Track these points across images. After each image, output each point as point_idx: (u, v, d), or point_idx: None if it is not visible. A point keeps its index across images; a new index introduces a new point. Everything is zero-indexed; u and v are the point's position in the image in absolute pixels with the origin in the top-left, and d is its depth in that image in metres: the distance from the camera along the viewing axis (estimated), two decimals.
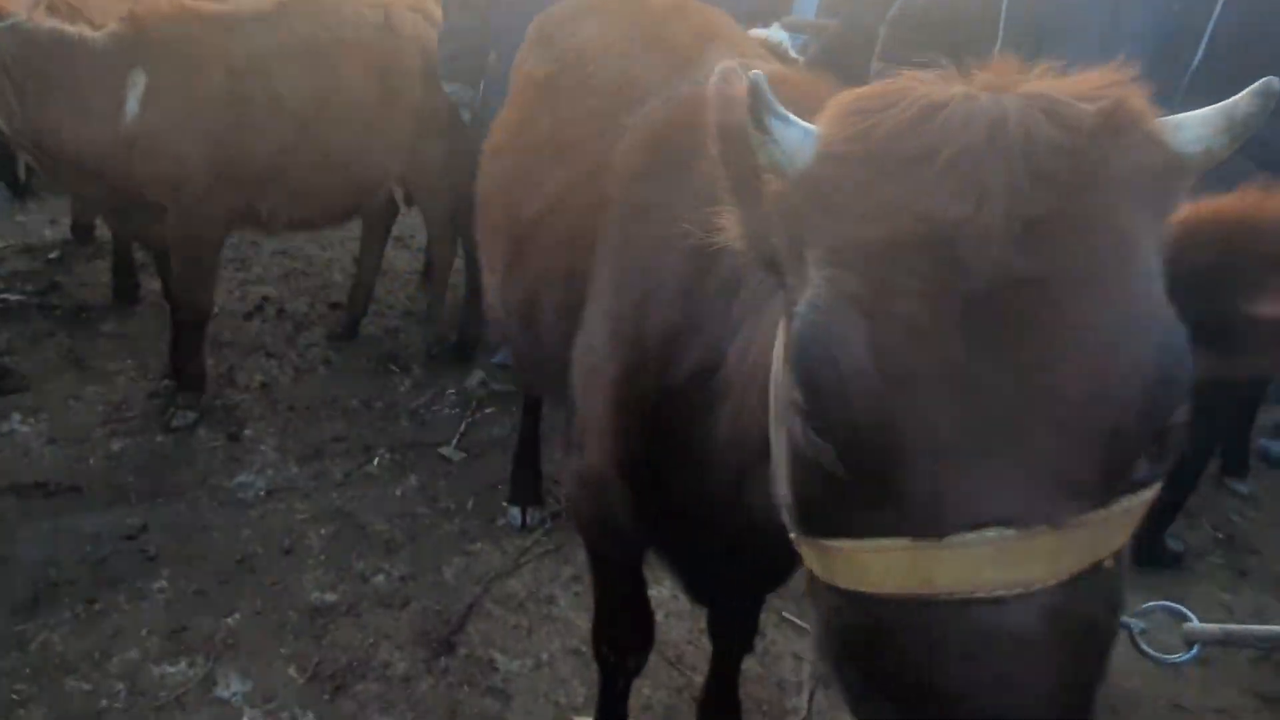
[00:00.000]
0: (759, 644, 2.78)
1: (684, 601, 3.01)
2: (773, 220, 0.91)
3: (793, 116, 0.87)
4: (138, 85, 3.26)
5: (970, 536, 0.74)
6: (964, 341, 0.73)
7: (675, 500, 1.57)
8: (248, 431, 3.77)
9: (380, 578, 3.04)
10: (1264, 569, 3.49)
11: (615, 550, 1.94)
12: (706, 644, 2.46)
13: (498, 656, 2.76)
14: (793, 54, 3.99)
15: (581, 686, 2.66)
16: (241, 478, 3.49)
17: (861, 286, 0.77)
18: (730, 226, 1.01)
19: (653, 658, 2.22)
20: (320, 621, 2.83)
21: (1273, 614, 3.20)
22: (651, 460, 1.57)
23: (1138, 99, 0.81)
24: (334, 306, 4.89)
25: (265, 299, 4.90)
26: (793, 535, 0.96)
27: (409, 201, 4.55)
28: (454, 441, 3.83)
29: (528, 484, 3.40)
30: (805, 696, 1.57)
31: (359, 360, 4.43)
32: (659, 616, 2.23)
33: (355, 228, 4.79)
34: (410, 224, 5.58)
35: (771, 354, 1.13)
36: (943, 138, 0.78)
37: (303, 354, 4.43)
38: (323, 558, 3.11)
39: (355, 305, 4.63)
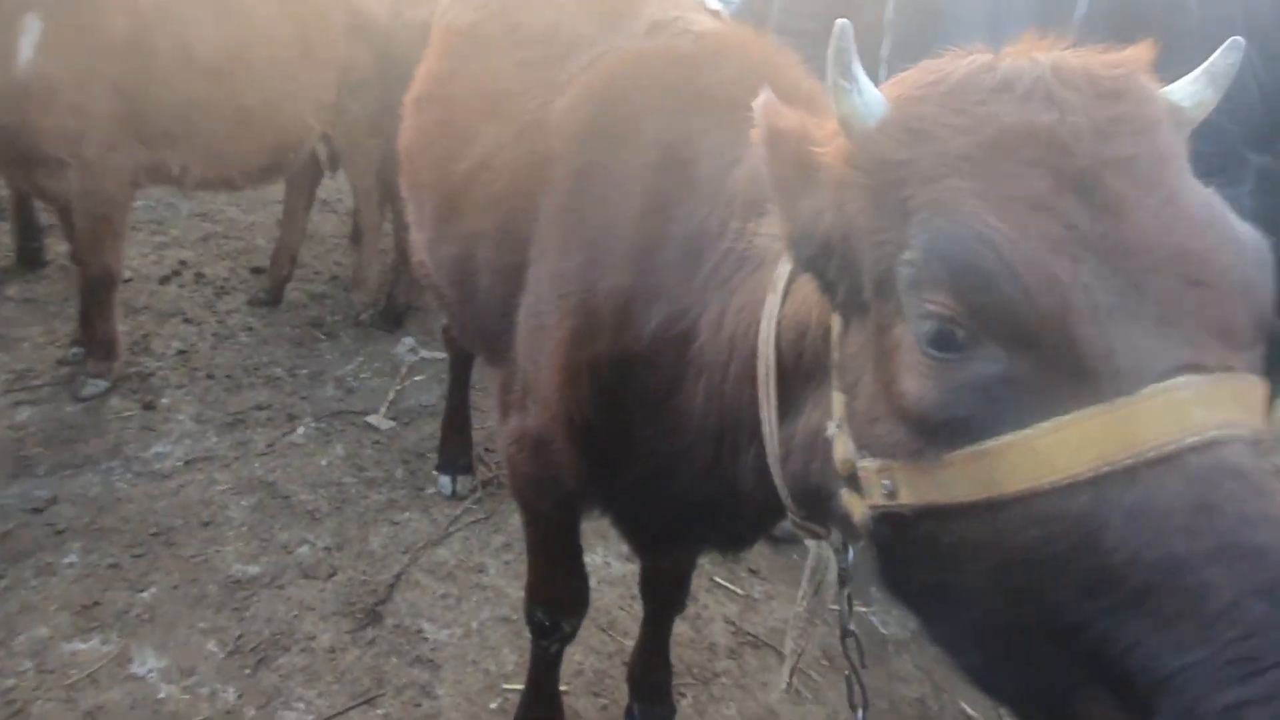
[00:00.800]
0: (690, 608, 2.78)
1: (616, 568, 3.00)
2: (835, 191, 0.96)
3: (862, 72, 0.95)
4: (32, 30, 3.05)
5: (1167, 383, 0.76)
6: (1087, 211, 0.82)
7: (641, 466, 1.54)
8: (164, 400, 3.62)
9: (304, 549, 2.95)
10: None
11: (553, 510, 1.91)
12: (638, 610, 2.44)
13: (426, 626, 2.71)
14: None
15: (512, 654, 2.62)
16: (158, 448, 3.35)
17: (984, 181, 0.85)
18: (774, 224, 1.06)
19: (584, 624, 2.19)
20: (241, 594, 2.74)
21: None
22: (610, 426, 1.54)
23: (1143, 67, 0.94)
24: (256, 271, 4.71)
25: (183, 263, 4.69)
26: (898, 476, 0.90)
27: (335, 163, 4.39)
28: (382, 409, 3.74)
29: (458, 452, 3.33)
30: (787, 670, 1.57)
31: (283, 327, 4.29)
32: (590, 583, 2.21)
33: (278, 190, 4.61)
34: (337, 187, 5.40)
35: (756, 330, 1.18)
36: (1015, 76, 0.89)
37: (223, 320, 4.27)
38: (244, 529, 3.00)
39: (279, 270, 4.46)
